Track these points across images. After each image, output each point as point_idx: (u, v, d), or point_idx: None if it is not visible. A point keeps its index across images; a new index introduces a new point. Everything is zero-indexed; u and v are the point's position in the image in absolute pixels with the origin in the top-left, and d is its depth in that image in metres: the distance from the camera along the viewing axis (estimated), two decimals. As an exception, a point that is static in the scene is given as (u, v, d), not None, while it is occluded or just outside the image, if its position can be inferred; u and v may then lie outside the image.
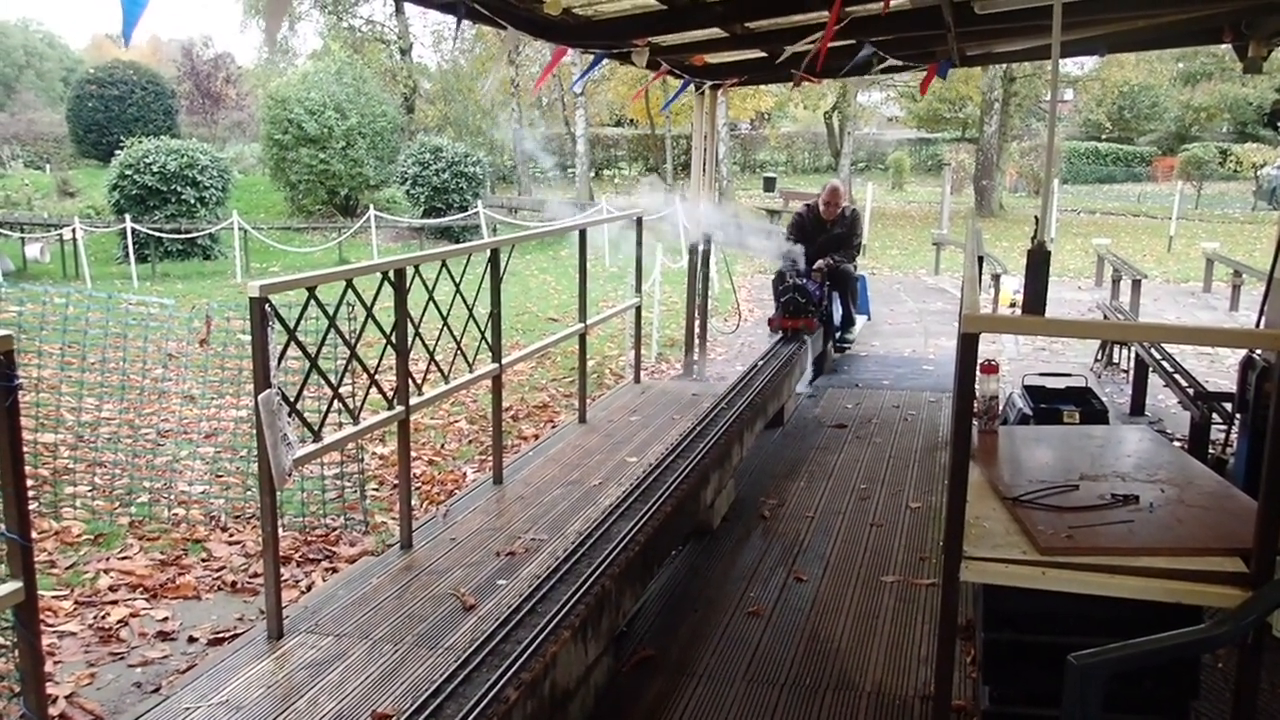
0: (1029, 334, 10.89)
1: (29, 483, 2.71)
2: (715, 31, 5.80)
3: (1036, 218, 3.62)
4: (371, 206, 20.95)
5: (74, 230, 18.34)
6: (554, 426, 7.17)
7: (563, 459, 5.40)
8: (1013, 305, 11.73)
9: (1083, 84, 32.88)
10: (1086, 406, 5.11)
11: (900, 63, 6.63)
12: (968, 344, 2.35)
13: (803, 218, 8.67)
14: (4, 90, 46.49)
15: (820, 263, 8.33)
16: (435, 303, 4.31)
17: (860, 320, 9.85)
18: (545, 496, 4.80)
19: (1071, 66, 28.88)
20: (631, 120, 39.89)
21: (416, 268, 4.13)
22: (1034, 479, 2.96)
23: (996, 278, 12.33)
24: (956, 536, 2.41)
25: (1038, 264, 3.50)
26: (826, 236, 8.52)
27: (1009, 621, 2.90)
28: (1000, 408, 3.94)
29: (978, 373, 2.72)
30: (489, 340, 4.82)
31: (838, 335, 8.97)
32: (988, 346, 9.14)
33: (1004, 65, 25.91)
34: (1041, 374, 5.48)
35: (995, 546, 2.53)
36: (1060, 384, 5.44)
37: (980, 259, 5.61)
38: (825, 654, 3.69)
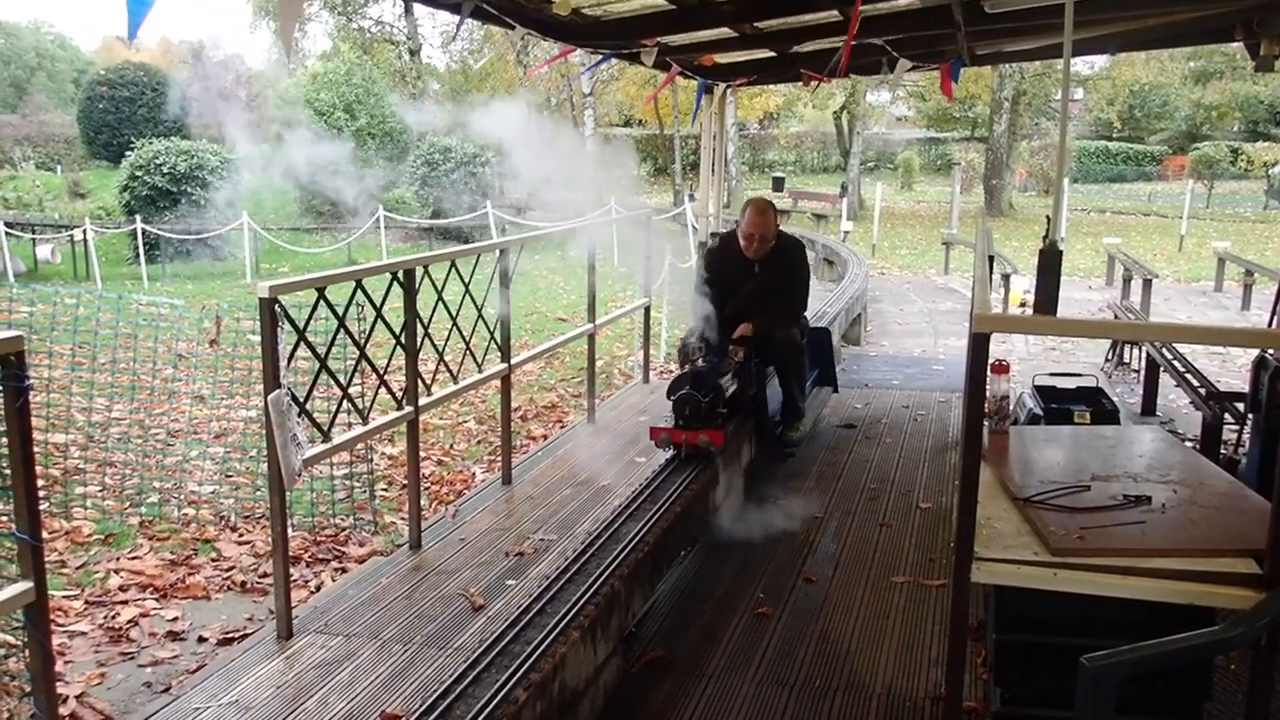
0: (1040, 334, 10.84)
1: (40, 483, 2.72)
2: (724, 31, 5.78)
3: (1048, 217, 3.61)
4: (380, 207, 20.98)
5: (85, 231, 18.41)
6: (563, 427, 7.16)
7: (572, 459, 5.40)
8: (1023, 305, 11.69)
9: (1093, 83, 32.74)
10: (1097, 406, 5.10)
11: (911, 62, 6.60)
12: (978, 344, 2.34)
13: (716, 255, 5.73)
14: (15, 92, 46.67)
15: (742, 329, 5.40)
16: (444, 303, 4.30)
17: (822, 400, 6.93)
18: (554, 497, 4.79)
19: (1081, 65, 28.76)
20: (640, 120, 39.87)
21: (425, 268, 4.13)
22: (1045, 479, 2.94)
23: (1006, 277, 12.29)
24: (967, 537, 2.39)
25: (1049, 264, 3.48)
26: (754, 284, 5.54)
27: (1020, 623, 2.88)
28: (1011, 408, 3.92)
29: (989, 373, 2.70)
30: (498, 340, 4.82)
31: (779, 433, 5.88)
32: (998, 346, 9.08)
33: (1014, 65, 25.83)
34: (1052, 374, 5.47)
35: (1006, 547, 2.52)
36: (1071, 384, 5.42)
37: (990, 258, 5.60)
38: (835, 655, 3.68)
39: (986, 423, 3.17)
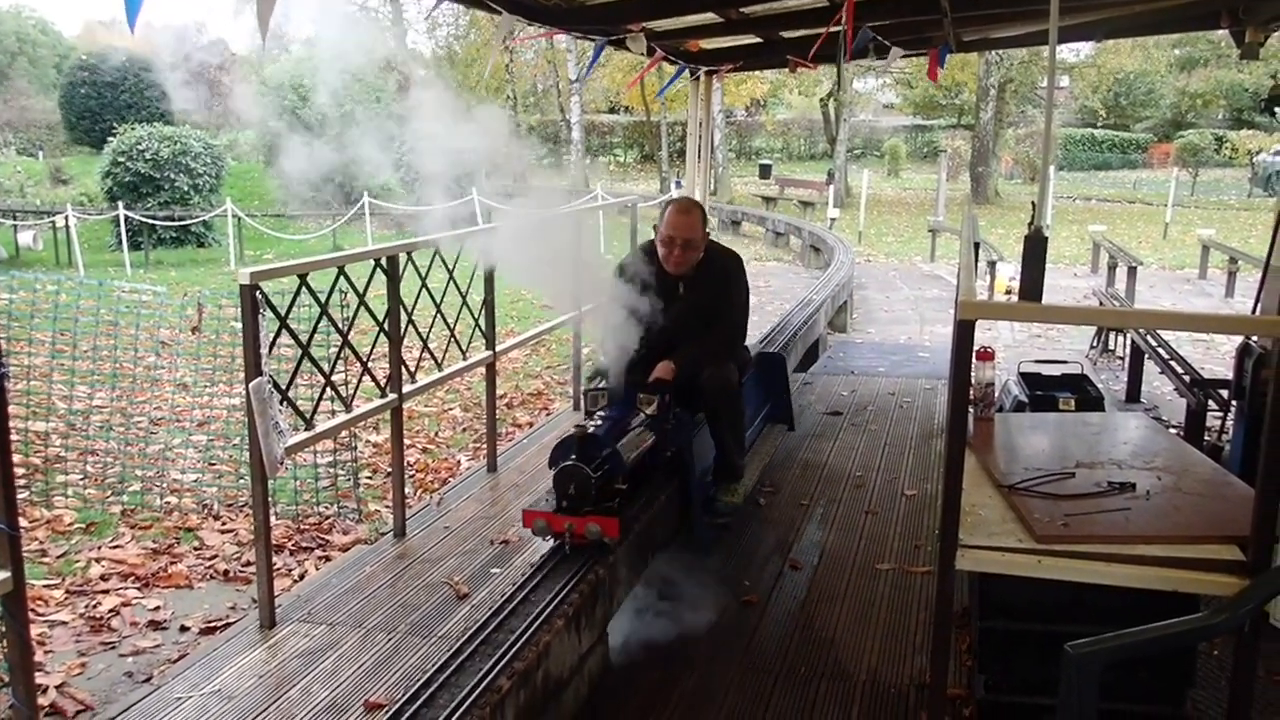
0: (1025, 321, 10.86)
1: (19, 471, 2.69)
2: (710, 16, 5.75)
3: (1033, 203, 3.60)
4: (366, 193, 20.86)
5: (67, 218, 18.24)
6: (548, 414, 7.14)
7: (557, 447, 5.38)
8: (1008, 292, 11.72)
9: (1079, 70, 32.81)
10: (1082, 394, 5.11)
11: (901, 50, 6.59)
12: (964, 330, 2.33)
13: (631, 272, 4.28)
14: (-4, 77, 46.23)
15: (660, 371, 4.21)
16: (428, 289, 4.28)
17: (773, 444, 5.64)
18: (540, 484, 4.77)
19: (1067, 53, 28.82)
20: (626, 107, 39.79)
21: (409, 254, 4.10)
22: (1030, 466, 2.94)
23: (992, 264, 12.32)
24: (952, 524, 2.39)
25: (1034, 249, 3.48)
26: (679, 309, 4.33)
27: (1004, 610, 2.89)
28: (996, 395, 3.92)
29: (974, 360, 2.70)
30: (483, 327, 4.79)
31: (712, 495, 4.55)
32: (983, 333, 9.13)
33: (1000, 52, 25.84)
34: (1037, 361, 5.48)
35: (991, 534, 2.51)
36: (1056, 371, 5.44)
37: (976, 245, 5.60)
38: (820, 642, 3.68)
39: (972, 410, 3.17)
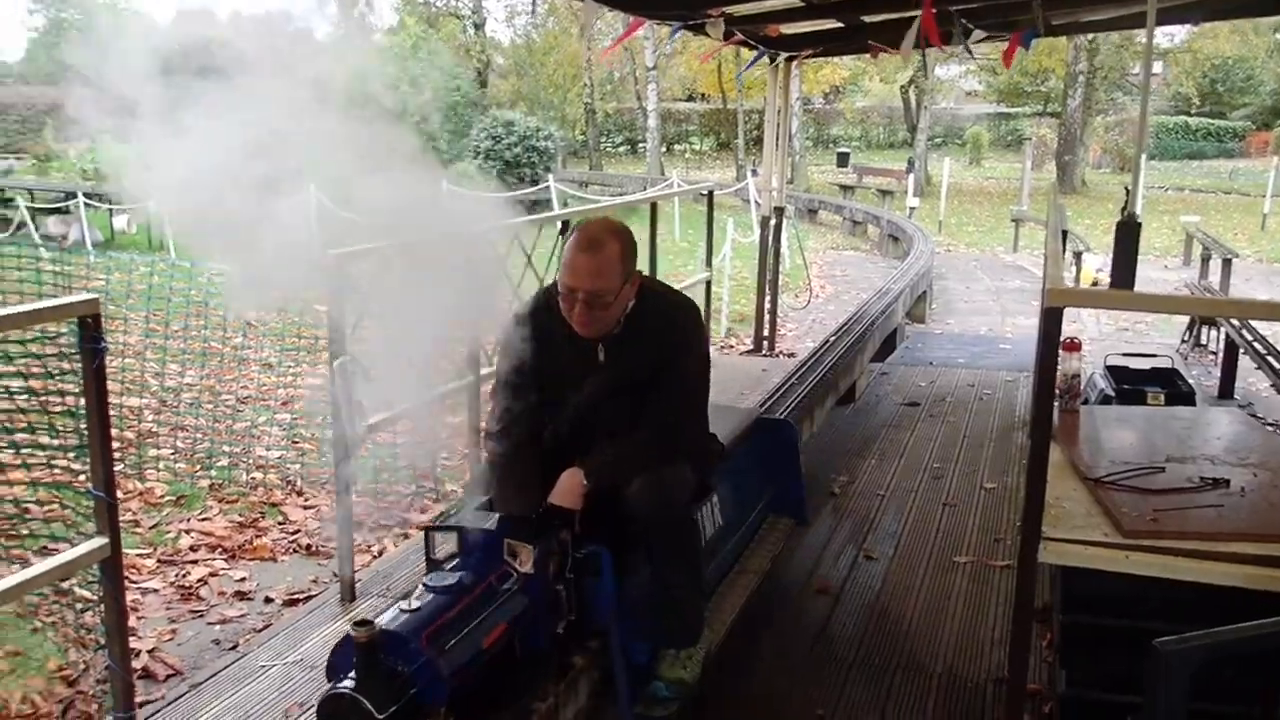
0: (1115, 308, 10.55)
1: (115, 444, 2.79)
2: (791, 0, 5.69)
3: (1126, 188, 3.50)
4: (444, 181, 21.12)
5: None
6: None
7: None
8: (1095, 284, 11.43)
9: (1173, 55, 31.75)
10: (1172, 388, 4.97)
11: (984, 33, 6.44)
12: (1051, 318, 2.28)
13: (529, 328, 2.82)
14: (93, 65, 47.78)
15: (563, 490, 2.75)
16: (507, 274, 4.31)
17: (773, 544, 4.17)
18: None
19: (1161, 37, 27.86)
20: (703, 95, 39.62)
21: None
22: (1117, 460, 2.87)
23: (1078, 255, 12.02)
24: (1035, 517, 2.34)
25: (1127, 236, 3.38)
26: (599, 384, 2.92)
27: (1088, 605, 2.83)
28: (1081, 387, 3.83)
29: (1060, 349, 2.64)
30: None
31: (650, 670, 2.98)
32: (1068, 326, 8.87)
33: (1090, 36, 25.12)
34: (1125, 354, 5.34)
35: (1075, 528, 2.46)
36: (1145, 365, 5.29)
37: (1063, 234, 5.46)
38: (895, 634, 3.64)
39: (1056, 401, 3.10)
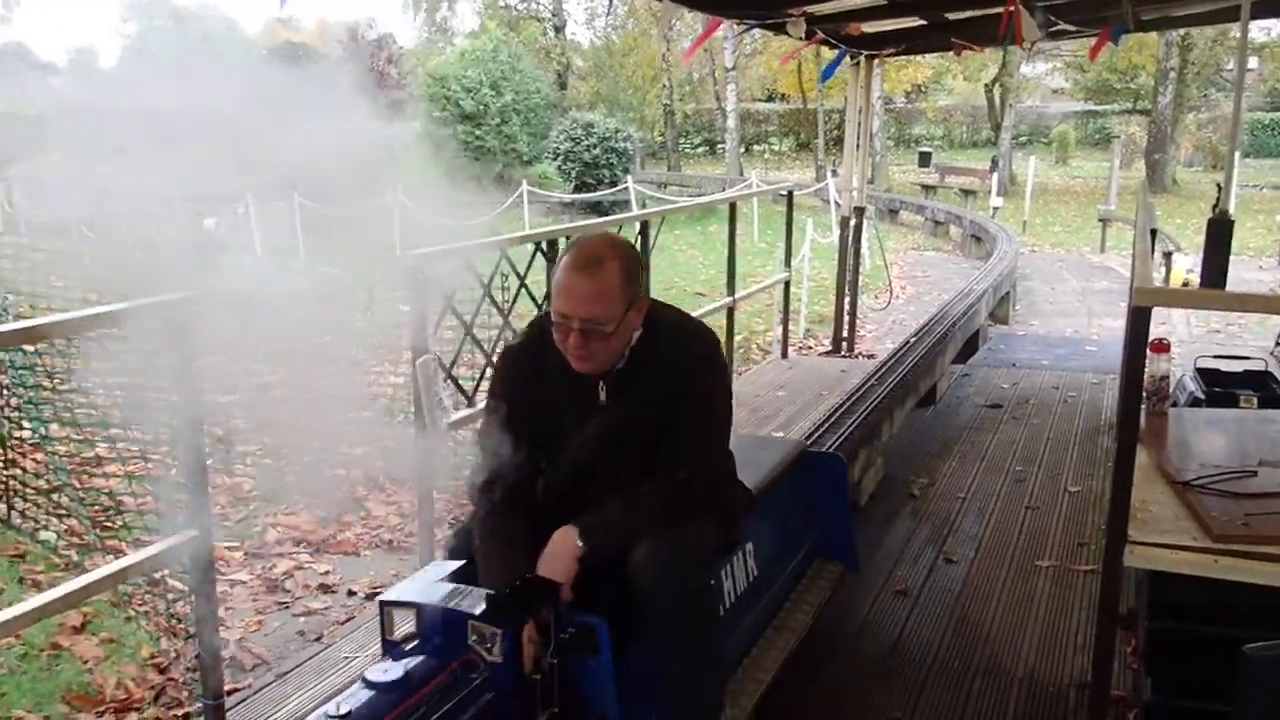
0: (1205, 307, 10.22)
1: (205, 440, 2.89)
2: (873, -2, 5.65)
3: (1218, 185, 3.40)
4: (524, 182, 21.37)
5: (247, 204, 19.36)
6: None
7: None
8: (1185, 285, 11.09)
9: (1269, 50, 30.62)
10: (1266, 391, 4.79)
11: (1071, 28, 6.30)
12: (1139, 318, 2.23)
13: (518, 369, 2.51)
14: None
15: (552, 560, 2.25)
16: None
17: (817, 597, 3.39)
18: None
19: (1256, 32, 26.93)
20: (783, 95, 39.41)
21: (568, 238, 4.19)
22: (1206, 463, 2.79)
23: (1168, 255, 11.66)
24: (1121, 520, 2.30)
25: (1219, 233, 3.29)
26: (599, 429, 2.42)
27: (1175, 611, 2.76)
28: (1170, 390, 3.73)
29: (1148, 350, 2.58)
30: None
31: None
32: (1156, 328, 8.61)
33: (1182, 31, 24.35)
34: (1216, 356, 5.17)
35: (1163, 532, 2.40)
36: (1237, 367, 5.11)
37: (1152, 233, 5.32)
38: (975, 637, 3.59)
39: (1143, 404, 3.03)
